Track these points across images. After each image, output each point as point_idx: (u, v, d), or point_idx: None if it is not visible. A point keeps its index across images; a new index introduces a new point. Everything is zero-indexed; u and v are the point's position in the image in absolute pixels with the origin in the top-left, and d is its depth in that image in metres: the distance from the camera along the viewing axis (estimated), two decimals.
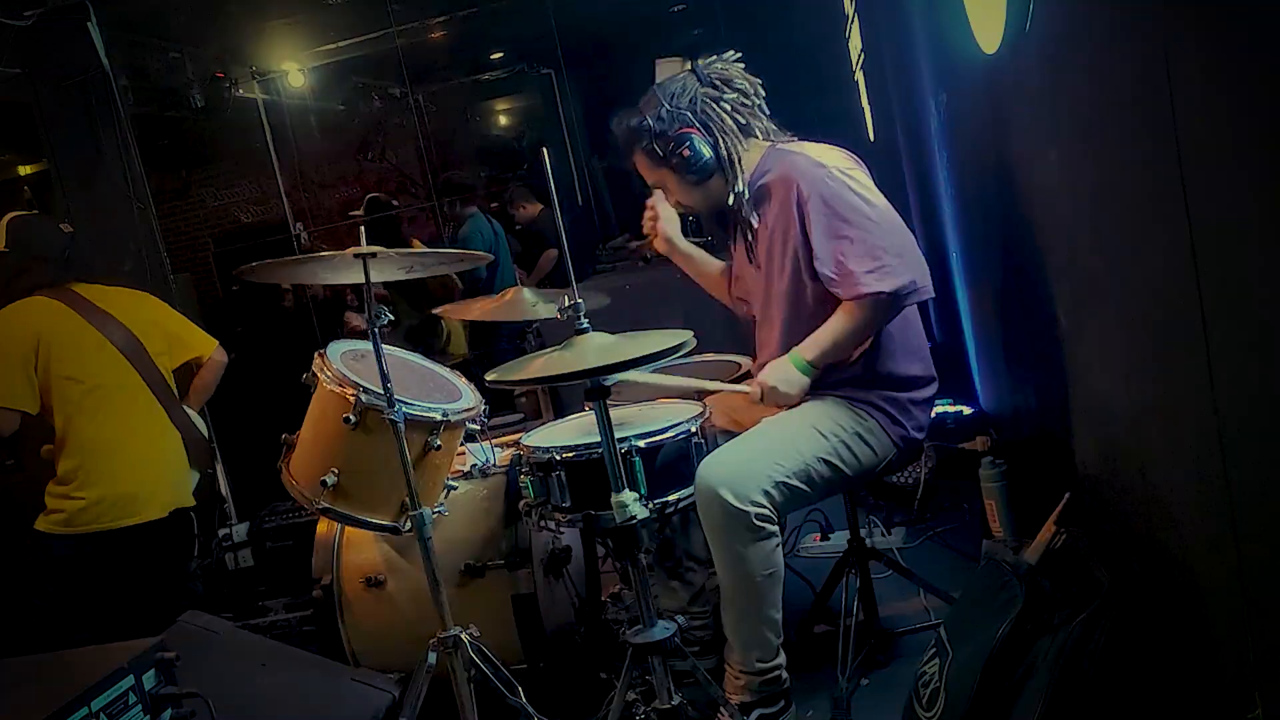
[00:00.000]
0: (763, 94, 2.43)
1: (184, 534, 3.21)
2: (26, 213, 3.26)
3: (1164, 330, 1.57)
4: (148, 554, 3.03)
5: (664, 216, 2.63)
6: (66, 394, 2.93)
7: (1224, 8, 1.19)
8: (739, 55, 2.43)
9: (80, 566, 2.93)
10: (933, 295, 2.28)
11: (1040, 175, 2.13)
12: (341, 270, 2.23)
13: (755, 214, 2.39)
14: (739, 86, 2.39)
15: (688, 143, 2.34)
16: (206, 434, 3.24)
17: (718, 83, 2.38)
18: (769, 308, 2.45)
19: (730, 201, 2.38)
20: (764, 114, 2.42)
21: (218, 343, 3.28)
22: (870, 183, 2.31)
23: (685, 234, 2.68)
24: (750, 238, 2.44)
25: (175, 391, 3.15)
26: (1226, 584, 1.52)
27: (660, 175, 2.44)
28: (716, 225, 2.55)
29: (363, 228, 2.29)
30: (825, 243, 2.24)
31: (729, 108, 2.37)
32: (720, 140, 2.36)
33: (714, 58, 2.43)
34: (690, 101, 2.36)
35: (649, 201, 2.63)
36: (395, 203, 7.53)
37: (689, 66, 2.42)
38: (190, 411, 3.19)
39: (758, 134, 2.41)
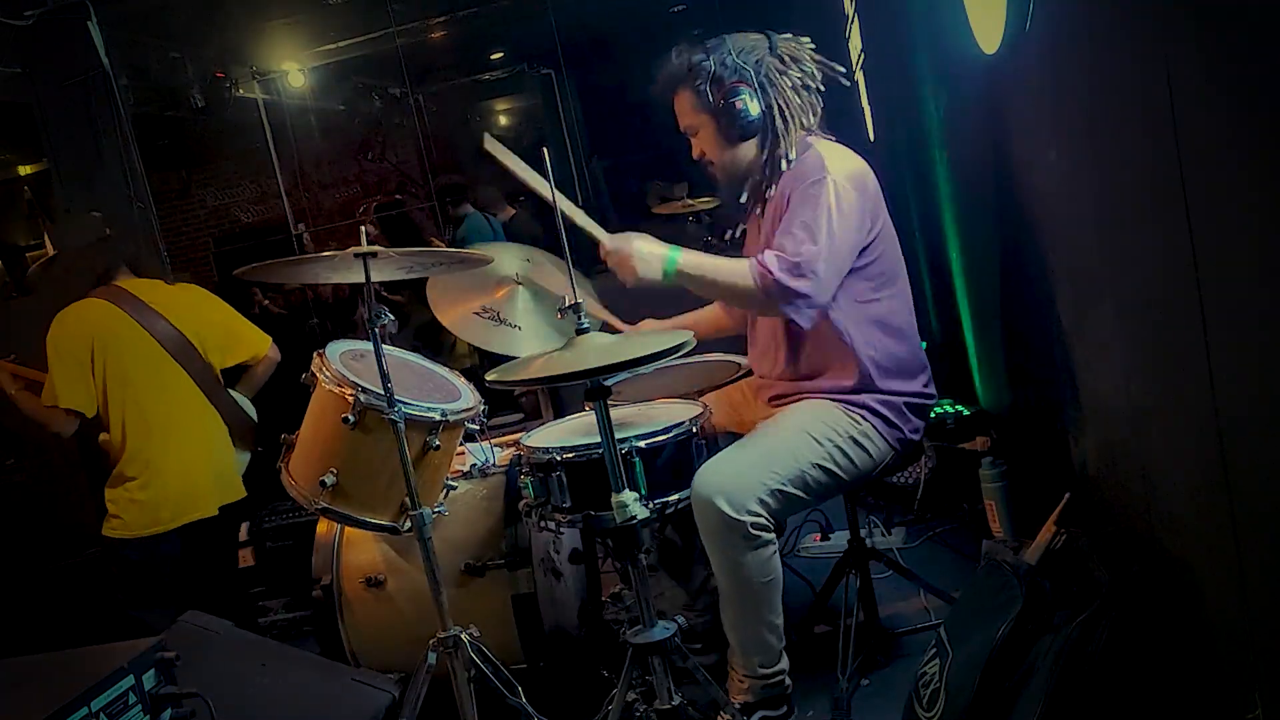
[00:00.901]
0: (825, 85, 2.39)
1: (236, 526, 3.32)
2: (74, 213, 3.33)
3: (1164, 330, 1.57)
4: (206, 549, 3.11)
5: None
6: (120, 396, 2.98)
7: (1224, 8, 1.19)
8: (813, 45, 2.39)
9: (154, 565, 3.02)
10: (806, 326, 2.25)
11: (1040, 175, 2.13)
12: (341, 269, 2.22)
13: (768, 192, 2.38)
14: (806, 69, 2.36)
15: (741, 96, 2.30)
16: (255, 417, 3.30)
17: (786, 58, 2.35)
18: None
19: (764, 168, 2.35)
20: (819, 105, 2.39)
21: (271, 339, 3.33)
22: (858, 206, 2.26)
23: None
24: (760, 212, 2.43)
25: (221, 382, 3.19)
26: (1226, 584, 1.52)
27: (699, 120, 2.38)
28: (731, 191, 2.49)
29: (362, 228, 2.29)
30: (777, 228, 2.25)
31: (790, 84, 2.34)
32: (774, 109, 2.32)
33: (789, 35, 2.39)
34: (756, 62, 2.32)
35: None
36: (400, 197, 7.52)
37: None
38: (239, 397, 3.24)
39: (806, 121, 2.37)
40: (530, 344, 2.64)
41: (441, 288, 2.77)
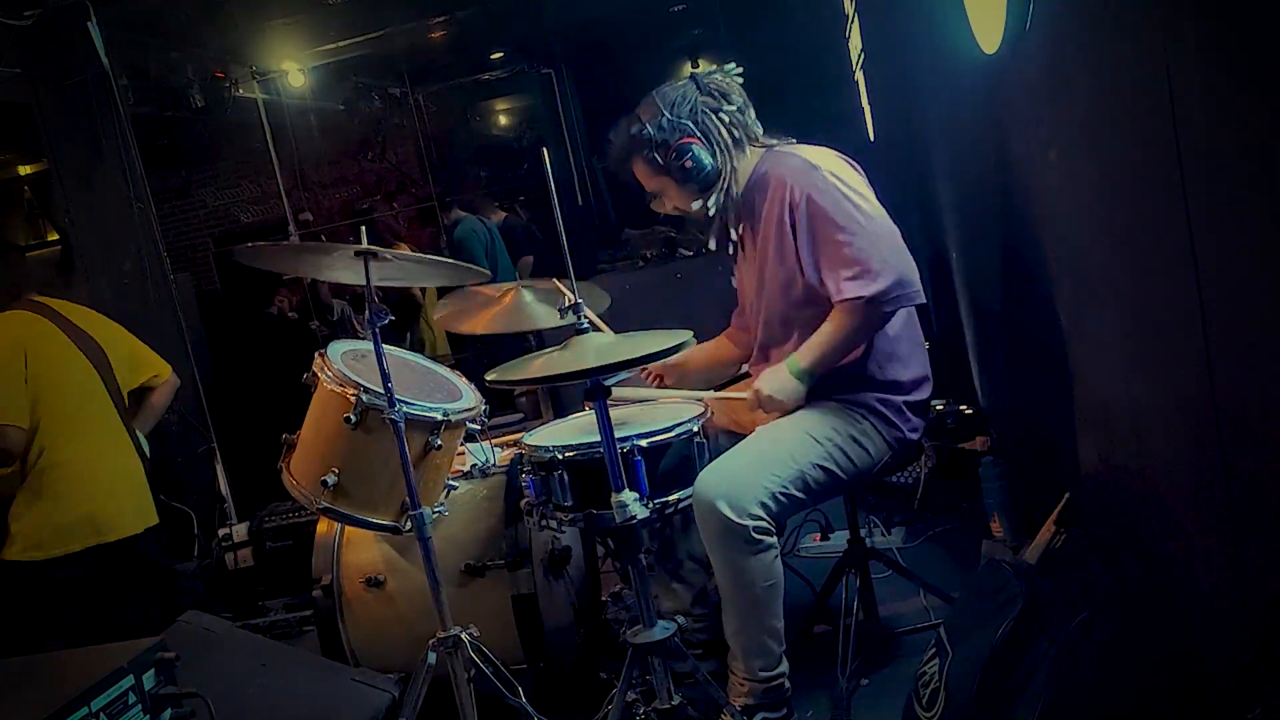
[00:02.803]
0: (749, 105, 2.43)
1: (159, 547, 3.18)
2: None
3: (1164, 330, 1.57)
4: (125, 570, 3.00)
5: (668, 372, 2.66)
6: (48, 411, 2.88)
7: (1224, 8, 1.19)
8: (740, 70, 2.43)
9: (58, 590, 2.88)
10: (922, 300, 2.27)
11: (1040, 175, 2.13)
12: (338, 268, 2.22)
13: (750, 216, 2.40)
14: (736, 101, 2.39)
15: (690, 154, 2.34)
16: (148, 453, 3.18)
17: (715, 94, 2.38)
18: (763, 304, 2.45)
19: (711, 213, 2.40)
20: (756, 125, 2.43)
21: (171, 368, 3.26)
22: (862, 185, 2.31)
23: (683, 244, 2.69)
24: (744, 236, 2.45)
25: (126, 406, 3.12)
26: (1226, 584, 1.52)
27: (660, 183, 2.43)
28: (713, 231, 2.53)
29: (363, 228, 2.29)
30: (811, 246, 2.26)
31: (726, 119, 2.37)
32: (718, 152, 2.36)
33: (714, 68, 2.44)
34: (690, 110, 2.35)
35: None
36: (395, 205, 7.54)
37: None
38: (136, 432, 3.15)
39: (750, 144, 2.41)
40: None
41: (454, 304, 2.77)
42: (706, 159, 2.35)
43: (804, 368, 2.29)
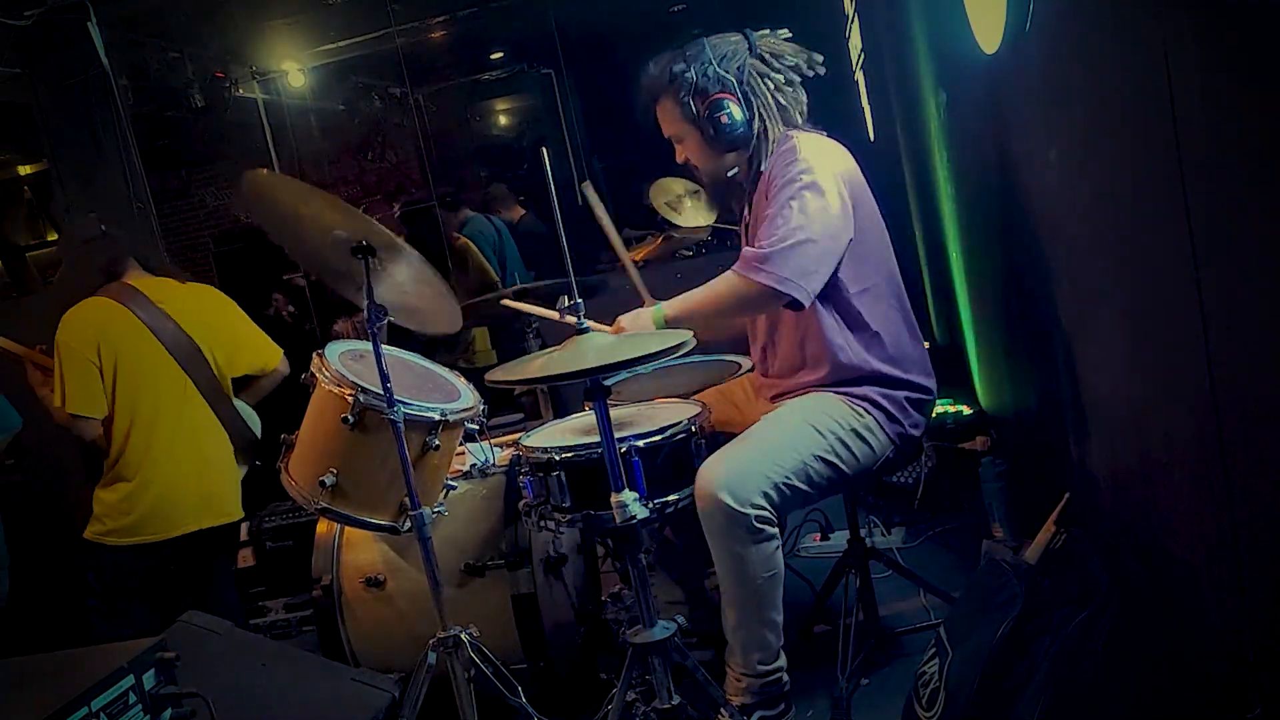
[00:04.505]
0: (812, 72, 2.37)
1: (227, 546, 3.19)
2: (73, 221, 3.23)
3: (1164, 330, 1.57)
4: (193, 564, 3.00)
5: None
6: (124, 399, 2.88)
7: (1224, 8, 1.19)
8: (789, 35, 2.37)
9: (130, 577, 2.92)
10: (802, 301, 2.23)
11: (1040, 175, 2.13)
12: (334, 267, 2.19)
13: (754, 196, 2.38)
14: (789, 63, 2.34)
15: (725, 110, 2.29)
16: (259, 431, 3.16)
17: (768, 57, 2.32)
18: None
19: (729, 174, 2.36)
20: (804, 100, 2.38)
21: (282, 352, 3.19)
22: (840, 192, 2.25)
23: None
24: (748, 217, 2.43)
25: (229, 392, 3.07)
26: (1226, 584, 1.52)
27: (683, 130, 2.37)
28: (720, 196, 2.51)
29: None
30: (767, 219, 2.25)
31: (773, 86, 2.32)
32: (757, 117, 2.31)
33: (767, 30, 2.37)
34: (738, 69, 2.30)
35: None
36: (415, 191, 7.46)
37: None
38: (243, 407, 3.11)
39: (790, 118, 2.36)
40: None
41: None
42: (741, 120, 2.29)
43: (669, 316, 2.30)
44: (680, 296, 2.32)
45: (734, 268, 2.25)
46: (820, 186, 2.23)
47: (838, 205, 2.24)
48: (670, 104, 2.36)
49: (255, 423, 3.16)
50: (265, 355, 3.15)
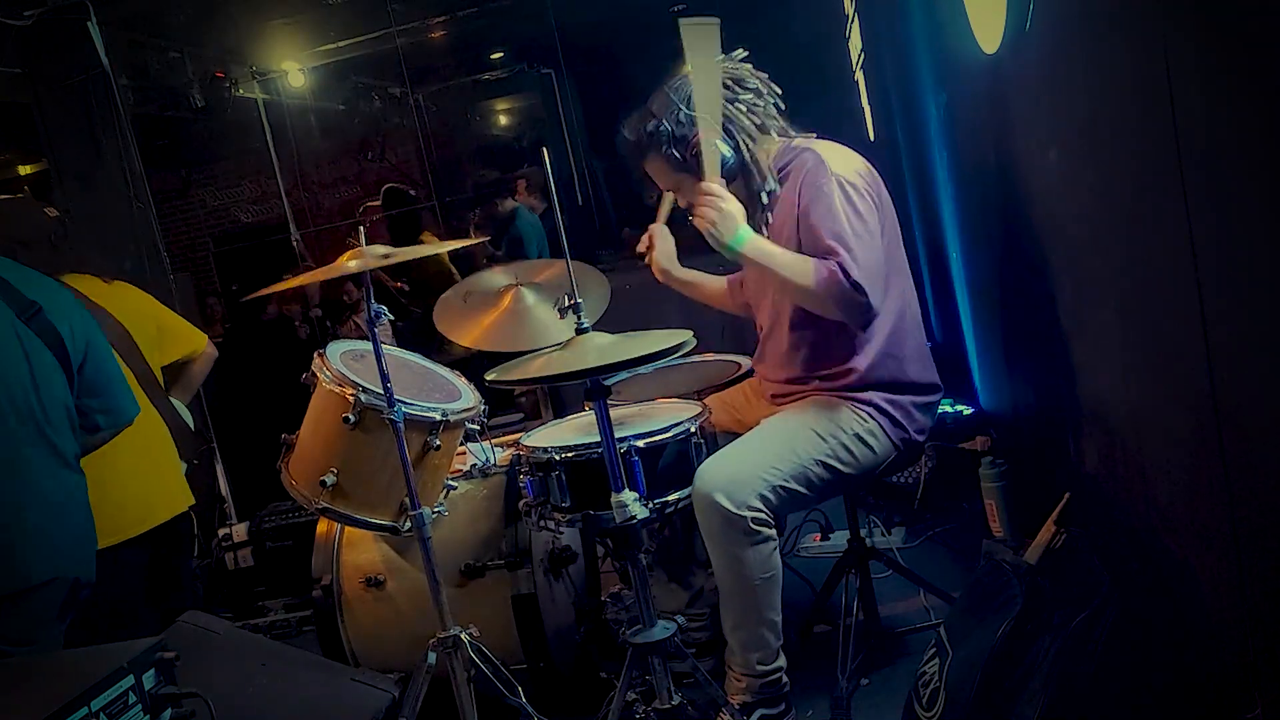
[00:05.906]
0: (777, 91, 2.37)
1: (183, 537, 3.17)
2: (8, 196, 3.19)
3: (1164, 330, 1.57)
4: (148, 562, 2.98)
5: (660, 248, 2.60)
6: None
7: (1223, 8, 1.19)
8: (745, 54, 2.37)
9: (112, 579, 2.74)
10: (860, 326, 2.24)
11: (1040, 175, 2.13)
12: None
13: (768, 209, 2.35)
14: (751, 86, 2.34)
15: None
16: (192, 424, 3.15)
17: (730, 83, 2.32)
18: (774, 301, 2.44)
19: (763, 199, 2.33)
20: (778, 111, 2.37)
21: (208, 337, 3.20)
22: (870, 200, 2.25)
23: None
24: (767, 232, 2.42)
25: (162, 384, 3.05)
26: (1226, 584, 1.52)
27: (676, 179, 2.37)
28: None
29: (362, 228, 2.28)
30: (810, 236, 2.21)
31: (744, 108, 2.32)
32: (740, 142, 2.30)
33: (723, 58, 2.37)
34: None
35: (650, 228, 2.59)
36: (413, 192, 7.44)
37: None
38: (176, 403, 3.10)
39: (773, 132, 2.35)
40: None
41: (447, 315, 2.67)
42: (728, 151, 2.29)
43: (745, 246, 2.19)
44: (769, 244, 2.22)
45: (823, 261, 2.16)
46: (851, 196, 2.21)
47: (872, 216, 2.23)
48: (657, 160, 2.36)
49: (188, 416, 3.14)
50: (194, 340, 3.15)
